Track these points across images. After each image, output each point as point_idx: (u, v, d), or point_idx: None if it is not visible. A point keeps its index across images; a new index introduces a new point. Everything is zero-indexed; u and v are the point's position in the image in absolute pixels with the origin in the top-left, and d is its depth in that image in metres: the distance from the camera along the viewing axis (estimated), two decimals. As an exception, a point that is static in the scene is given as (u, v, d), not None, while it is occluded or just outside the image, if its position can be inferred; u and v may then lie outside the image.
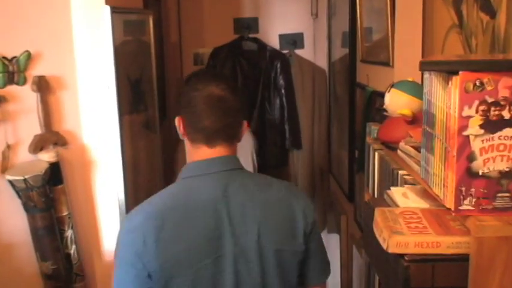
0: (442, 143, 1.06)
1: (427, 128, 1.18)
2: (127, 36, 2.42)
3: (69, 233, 2.18)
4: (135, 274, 1.41)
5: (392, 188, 1.39)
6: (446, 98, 1.03)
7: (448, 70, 1.00)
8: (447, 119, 1.03)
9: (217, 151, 1.52)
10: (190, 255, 1.43)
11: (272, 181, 1.59)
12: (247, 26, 3.99)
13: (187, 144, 1.57)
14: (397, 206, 1.28)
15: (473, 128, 0.98)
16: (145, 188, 2.65)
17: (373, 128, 1.88)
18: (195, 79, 1.57)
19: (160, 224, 1.42)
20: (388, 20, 2.37)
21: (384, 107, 1.69)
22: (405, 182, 1.44)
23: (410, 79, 1.65)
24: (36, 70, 2.06)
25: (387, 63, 2.44)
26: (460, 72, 0.96)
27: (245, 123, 1.59)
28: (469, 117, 0.98)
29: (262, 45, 4.03)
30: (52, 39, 2.09)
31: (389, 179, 1.59)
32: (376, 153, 1.78)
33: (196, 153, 1.54)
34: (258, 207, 1.50)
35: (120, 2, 2.29)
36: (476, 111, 0.97)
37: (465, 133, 0.98)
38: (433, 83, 1.11)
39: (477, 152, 0.99)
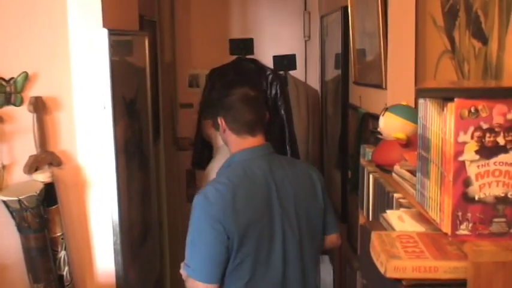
0: (438, 168, 1.08)
1: (423, 152, 1.20)
2: (123, 57, 2.44)
3: (62, 254, 2.17)
4: (215, 236, 1.90)
5: (388, 211, 1.41)
6: (441, 123, 1.05)
7: (443, 97, 1.02)
8: (443, 144, 1.05)
9: (258, 139, 2.08)
10: (256, 218, 1.96)
11: (295, 160, 2.38)
12: (243, 46, 3.99)
13: (230, 137, 2.09)
14: (393, 229, 1.30)
15: (469, 153, 1.00)
16: (139, 208, 2.65)
17: (367, 150, 1.90)
18: (228, 86, 2.16)
19: (233, 196, 1.93)
20: (381, 43, 2.41)
21: (379, 129, 1.71)
22: (400, 205, 1.45)
23: (404, 103, 1.68)
24: (33, 91, 2.07)
25: (380, 86, 2.46)
26: (455, 99, 0.98)
27: (267, 114, 2.14)
28: (465, 143, 1.00)
29: (260, 66, 4.04)
30: (49, 60, 2.10)
31: (384, 201, 1.60)
32: (371, 176, 1.80)
33: (244, 142, 2.07)
34: (291, 178, 2.06)
35: (117, 24, 2.31)
36: (472, 137, 0.99)
37: (461, 158, 1.00)
38: (428, 108, 1.13)
39: (473, 177, 1.01)
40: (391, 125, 1.62)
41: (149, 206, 2.83)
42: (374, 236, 1.21)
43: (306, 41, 4.32)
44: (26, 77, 2.03)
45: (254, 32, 4.25)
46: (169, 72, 4.34)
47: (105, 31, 2.10)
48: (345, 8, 3.13)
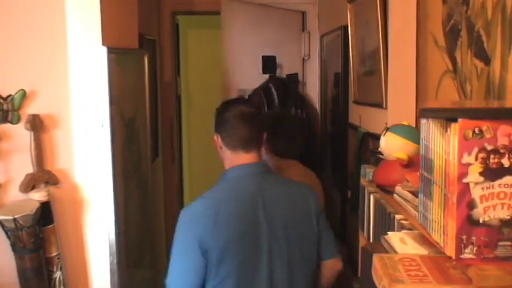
0: (441, 190, 1.06)
1: (425, 173, 1.17)
2: (122, 75, 2.43)
3: (57, 274, 2.14)
4: (193, 250, 1.88)
5: (389, 233, 1.38)
6: (444, 144, 1.03)
7: (447, 117, 1.00)
8: (446, 165, 1.02)
9: (252, 156, 2.04)
10: (237, 236, 1.92)
11: (292, 181, 2.20)
12: (272, 64, 3.95)
13: (225, 153, 2.06)
14: (395, 252, 1.27)
15: (473, 175, 0.98)
16: (136, 228, 2.62)
17: (368, 171, 1.88)
18: (226, 104, 2.15)
19: (216, 212, 1.91)
20: (381, 62, 2.40)
21: (379, 149, 1.69)
22: (402, 227, 1.42)
23: (405, 123, 1.66)
24: (30, 108, 2.05)
25: (380, 105, 2.45)
26: (459, 120, 0.97)
27: (264, 134, 2.12)
28: (469, 164, 0.98)
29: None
30: (48, 78, 2.09)
31: (385, 223, 1.58)
32: (372, 196, 1.77)
33: (237, 158, 2.04)
34: (283, 199, 2.02)
35: (116, 42, 2.30)
36: (476, 159, 0.97)
37: (465, 180, 0.98)
38: (430, 129, 1.11)
39: (477, 200, 0.98)
40: (392, 145, 1.60)
41: (147, 225, 2.80)
42: (376, 258, 1.18)
43: (305, 60, 4.31)
44: (24, 94, 2.01)
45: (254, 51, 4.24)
46: (170, 91, 4.34)
47: (104, 49, 2.09)
48: (345, 28, 3.13)
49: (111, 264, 2.23)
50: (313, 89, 4.23)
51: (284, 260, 1.97)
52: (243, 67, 3.66)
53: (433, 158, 1.11)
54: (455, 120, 0.97)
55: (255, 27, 3.90)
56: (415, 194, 1.34)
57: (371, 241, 1.80)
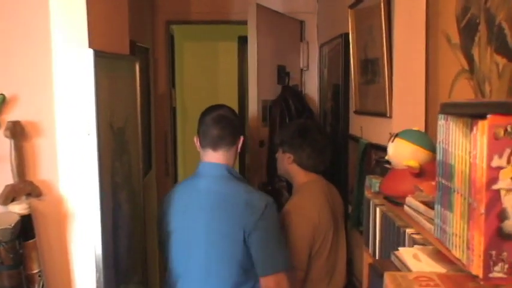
0: (465, 198, 0.92)
1: (443, 181, 1.04)
2: (110, 82, 2.29)
3: (39, 293, 1.99)
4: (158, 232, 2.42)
5: (400, 248, 1.24)
6: (469, 146, 0.90)
7: (473, 114, 0.87)
8: (471, 170, 0.89)
9: (219, 155, 2.29)
10: (177, 226, 2.29)
11: (247, 191, 2.27)
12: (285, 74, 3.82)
13: (200, 152, 2.34)
14: (408, 269, 1.13)
15: (505, 180, 0.84)
16: (125, 243, 2.47)
17: (374, 181, 1.74)
18: (208, 108, 2.38)
19: (170, 200, 2.34)
20: (385, 69, 2.29)
21: (387, 158, 1.56)
22: (414, 242, 1.29)
23: (415, 128, 1.52)
24: (11, 115, 1.91)
25: (384, 114, 2.33)
26: (488, 116, 0.83)
27: (242, 137, 2.35)
28: (500, 168, 0.84)
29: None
30: (30, 82, 1.95)
31: (394, 237, 1.44)
32: (378, 209, 1.64)
33: (205, 155, 2.31)
34: (222, 204, 2.21)
35: (104, 46, 2.17)
36: (508, 162, 0.84)
37: (495, 187, 0.85)
38: (450, 129, 0.98)
39: (509, 210, 0.85)
40: (402, 152, 1.47)
41: (137, 240, 2.64)
42: (388, 277, 1.05)
43: (303, 71, 4.20)
44: (4, 99, 1.87)
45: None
46: (164, 103, 4.21)
47: (91, 51, 1.96)
48: (346, 35, 3.03)
49: (97, 281, 2.07)
50: (312, 101, 4.12)
51: (204, 258, 2.23)
52: (263, 76, 3.51)
53: (453, 163, 0.98)
54: (483, 117, 0.84)
55: (272, 35, 3.76)
56: (429, 205, 1.21)
57: (377, 258, 1.66)
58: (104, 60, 2.11)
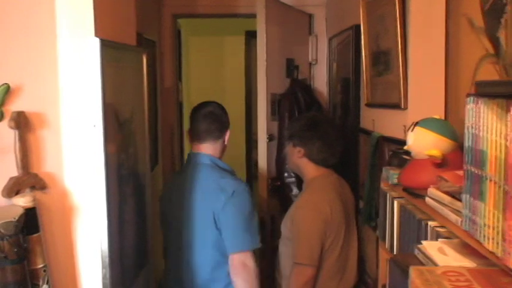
0: (500, 186, 0.86)
1: (473, 169, 0.97)
2: (117, 72, 2.23)
3: (44, 288, 1.93)
4: None
5: (424, 242, 1.18)
6: (504, 128, 0.83)
7: (510, 93, 0.80)
8: (508, 155, 0.82)
9: (204, 146, 2.56)
10: (166, 211, 2.66)
11: (221, 177, 2.50)
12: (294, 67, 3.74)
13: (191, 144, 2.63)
14: (434, 264, 1.07)
15: (547, 166, 0.78)
16: (132, 238, 2.41)
17: (391, 173, 1.67)
18: (198, 105, 2.66)
19: (166, 186, 2.83)
20: (399, 59, 2.22)
21: (405, 148, 1.49)
22: (437, 235, 1.22)
23: (437, 116, 1.45)
24: (15, 105, 1.85)
25: (398, 106, 2.26)
26: (528, 96, 0.77)
27: (228, 131, 2.61)
28: (541, 152, 0.78)
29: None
30: (34, 72, 1.89)
31: (415, 231, 1.37)
32: (396, 202, 1.57)
33: (193, 147, 2.61)
34: (198, 189, 2.47)
35: (111, 35, 2.11)
36: (550, 145, 0.77)
37: (535, 172, 0.78)
38: (481, 112, 0.92)
39: (551, 197, 0.78)
40: (423, 141, 1.40)
41: (143, 236, 2.59)
42: (414, 272, 0.98)
43: (312, 65, 4.13)
44: (7, 89, 1.81)
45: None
46: (170, 97, 4.15)
47: (97, 40, 1.90)
48: (357, 27, 2.96)
49: (103, 278, 2.02)
50: (320, 95, 4.05)
51: (197, 241, 2.48)
52: (272, 70, 3.43)
53: (485, 149, 0.91)
54: (522, 97, 0.78)
55: (281, 28, 3.68)
56: (454, 195, 1.14)
57: (395, 253, 1.59)
58: (110, 50, 2.05)
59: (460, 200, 1.07)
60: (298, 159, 2.77)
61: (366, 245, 2.87)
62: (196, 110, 2.60)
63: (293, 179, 3.39)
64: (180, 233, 2.52)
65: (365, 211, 2.72)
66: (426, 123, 1.42)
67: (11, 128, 1.84)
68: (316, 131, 2.73)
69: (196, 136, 2.56)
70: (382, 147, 2.52)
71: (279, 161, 3.42)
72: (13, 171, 1.86)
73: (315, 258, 2.50)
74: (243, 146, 5.55)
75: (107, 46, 1.98)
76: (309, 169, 2.75)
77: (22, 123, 1.86)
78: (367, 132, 2.82)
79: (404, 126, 2.19)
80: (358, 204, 3.04)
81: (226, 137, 2.59)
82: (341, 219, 2.59)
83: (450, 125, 1.40)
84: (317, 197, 2.63)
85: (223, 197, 2.40)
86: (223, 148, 2.63)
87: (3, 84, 1.81)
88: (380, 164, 2.52)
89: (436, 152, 1.35)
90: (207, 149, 2.55)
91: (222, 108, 2.65)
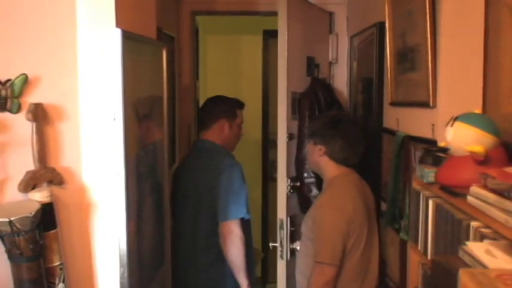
0: None
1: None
2: (137, 66, 2.17)
3: (60, 287, 1.87)
4: None
5: (468, 243, 1.10)
6: None
7: None
8: None
9: (205, 134, 3.15)
10: (176, 191, 3.07)
11: (216, 159, 3.03)
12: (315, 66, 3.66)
13: None
14: (483, 266, 0.99)
15: None
16: (150, 237, 2.35)
17: (426, 171, 1.58)
18: (208, 99, 3.36)
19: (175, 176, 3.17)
20: (428, 56, 2.14)
21: (442, 144, 1.41)
22: (482, 236, 1.14)
23: (477, 111, 1.37)
24: (33, 97, 1.80)
25: (426, 104, 2.18)
26: None
27: (223, 120, 3.15)
28: None
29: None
30: (53, 62, 1.84)
31: (454, 232, 1.29)
32: (430, 201, 1.49)
33: (199, 135, 3.22)
34: (199, 169, 3.03)
35: (131, 27, 2.05)
36: None
37: None
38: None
39: None
40: (463, 137, 1.32)
41: (161, 234, 2.52)
42: (465, 275, 0.90)
43: (332, 64, 4.04)
44: (26, 80, 1.76)
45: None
46: (188, 95, 4.08)
47: (119, 31, 1.85)
48: (381, 24, 2.88)
49: (121, 277, 1.96)
50: (340, 95, 3.96)
51: (193, 212, 2.99)
52: (292, 68, 3.37)
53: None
54: None
55: (301, 26, 3.60)
56: (503, 194, 1.06)
57: (429, 255, 1.51)
58: (131, 42, 2.00)
59: (509, 198, 0.99)
60: (319, 158, 2.70)
61: (388, 248, 2.78)
62: (205, 104, 3.28)
63: (313, 179, 3.32)
64: (180, 205, 3.02)
65: (388, 213, 2.64)
66: (467, 117, 1.35)
67: (29, 120, 1.79)
68: (338, 130, 2.66)
69: (198, 125, 3.25)
70: (408, 147, 2.44)
71: (299, 160, 3.35)
72: (30, 165, 1.81)
73: (337, 257, 2.43)
74: (260, 146, 5.48)
75: (128, 38, 1.92)
76: (330, 168, 2.68)
77: (40, 115, 1.81)
78: (391, 132, 2.74)
79: (433, 124, 2.12)
80: (380, 206, 2.96)
81: (221, 124, 3.12)
82: (363, 219, 2.52)
83: (492, 120, 1.32)
84: (339, 195, 2.56)
85: (214, 173, 2.91)
86: (226, 136, 3.13)
87: (21, 75, 1.76)
88: (405, 164, 2.45)
89: (479, 148, 1.27)
90: (205, 135, 3.15)
91: (217, 101, 3.22)
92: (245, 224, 2.96)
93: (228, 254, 2.90)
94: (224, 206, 2.87)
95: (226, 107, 3.17)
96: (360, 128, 2.84)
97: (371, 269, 2.61)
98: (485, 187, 1.16)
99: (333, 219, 2.47)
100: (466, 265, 1.05)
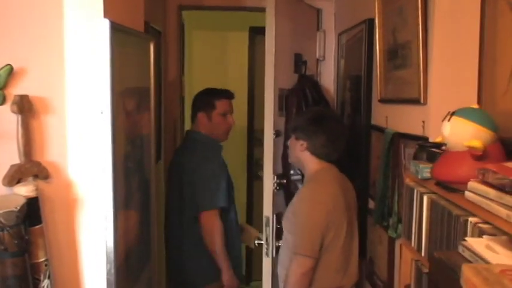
0: None
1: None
2: (124, 59, 2.13)
3: (45, 283, 1.83)
4: None
5: (468, 239, 1.08)
6: None
7: None
8: None
9: (193, 125, 3.33)
10: (171, 185, 3.37)
11: (197, 152, 3.19)
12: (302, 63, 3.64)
13: None
14: (485, 261, 0.97)
15: None
16: (137, 233, 2.31)
17: (421, 167, 1.56)
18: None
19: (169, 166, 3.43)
20: (419, 52, 2.12)
21: (438, 140, 1.40)
22: (480, 232, 1.13)
23: (475, 106, 1.36)
24: (18, 88, 1.75)
25: (416, 101, 2.17)
26: None
27: (201, 113, 3.28)
28: None
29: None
30: (39, 53, 1.79)
31: (450, 228, 1.28)
32: (425, 198, 1.47)
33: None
34: (180, 162, 3.22)
35: (119, 18, 2.01)
36: None
37: None
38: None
39: None
40: (461, 132, 1.30)
41: (147, 231, 2.49)
42: (469, 271, 0.88)
43: (319, 61, 4.03)
44: (11, 70, 1.72)
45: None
46: (174, 91, 4.04)
47: (107, 22, 1.80)
48: (370, 21, 2.87)
49: (108, 273, 1.93)
50: (327, 92, 3.95)
51: (177, 206, 3.16)
52: (280, 64, 3.34)
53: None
54: None
55: (289, 22, 3.58)
56: (503, 189, 1.05)
57: (423, 252, 1.49)
58: (119, 34, 1.95)
59: (510, 193, 0.98)
60: (300, 153, 2.71)
61: (377, 246, 2.77)
62: None
63: (299, 177, 3.30)
64: (166, 196, 3.34)
65: (377, 210, 2.63)
66: (465, 112, 1.33)
67: (13, 112, 1.75)
68: (321, 126, 2.67)
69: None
70: (398, 144, 2.43)
71: (285, 157, 3.33)
72: (15, 158, 1.77)
73: (316, 250, 2.45)
74: (245, 144, 5.45)
75: (116, 30, 1.88)
76: (311, 163, 2.69)
77: (25, 107, 1.77)
78: (380, 129, 2.73)
79: (423, 121, 2.11)
80: (368, 204, 2.95)
81: (202, 119, 3.25)
82: (343, 213, 2.53)
83: (489, 115, 1.31)
84: (319, 189, 2.57)
85: (191, 166, 3.10)
86: (208, 127, 3.25)
87: (5, 66, 1.72)
88: (394, 161, 2.44)
89: (477, 143, 1.25)
90: (192, 127, 3.35)
91: (197, 94, 3.38)
92: (226, 213, 3.16)
93: (205, 242, 3.07)
94: (200, 198, 3.05)
95: (203, 99, 3.30)
96: (342, 125, 2.86)
97: (352, 262, 2.63)
98: (483, 182, 1.14)
99: (312, 212, 2.49)
100: (466, 261, 1.03)
